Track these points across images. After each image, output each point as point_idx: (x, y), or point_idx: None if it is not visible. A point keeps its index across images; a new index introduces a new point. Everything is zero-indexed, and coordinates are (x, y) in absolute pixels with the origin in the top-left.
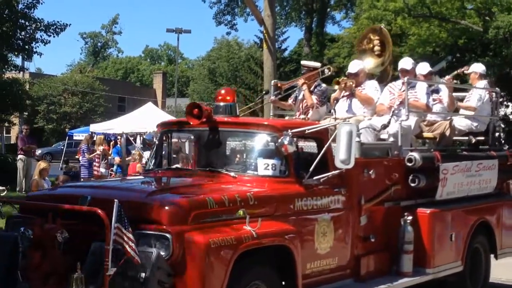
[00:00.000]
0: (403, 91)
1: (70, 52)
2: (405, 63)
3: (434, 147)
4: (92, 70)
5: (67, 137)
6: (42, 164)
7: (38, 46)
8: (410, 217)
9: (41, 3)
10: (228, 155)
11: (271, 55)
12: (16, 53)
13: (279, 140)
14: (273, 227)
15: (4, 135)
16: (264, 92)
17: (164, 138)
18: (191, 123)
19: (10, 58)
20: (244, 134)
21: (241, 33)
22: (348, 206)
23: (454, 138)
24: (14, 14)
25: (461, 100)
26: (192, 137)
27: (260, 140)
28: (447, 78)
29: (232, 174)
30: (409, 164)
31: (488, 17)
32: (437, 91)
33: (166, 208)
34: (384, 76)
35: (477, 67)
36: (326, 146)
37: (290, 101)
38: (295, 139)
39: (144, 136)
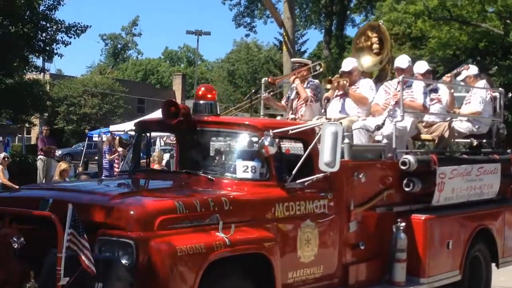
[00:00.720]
0: (399, 90)
1: (90, 54)
2: (401, 61)
3: (432, 149)
4: (112, 72)
5: (86, 138)
6: (62, 165)
7: (58, 48)
8: (403, 224)
9: (62, 5)
10: (207, 157)
11: (291, 58)
12: (37, 54)
13: (260, 141)
14: (250, 234)
15: (25, 135)
16: (253, 91)
17: (141, 138)
18: (167, 122)
19: (31, 59)
20: (223, 134)
21: (260, 35)
22: (336, 211)
23: (455, 140)
24: (35, 16)
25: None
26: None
27: (240, 140)
28: (446, 76)
29: (209, 176)
30: (403, 167)
31: (509, 20)
32: (435, 90)
33: (130, 212)
34: (383, 75)
35: (470, 70)
36: (310, 147)
37: (283, 101)
38: (277, 140)
39: (121, 136)
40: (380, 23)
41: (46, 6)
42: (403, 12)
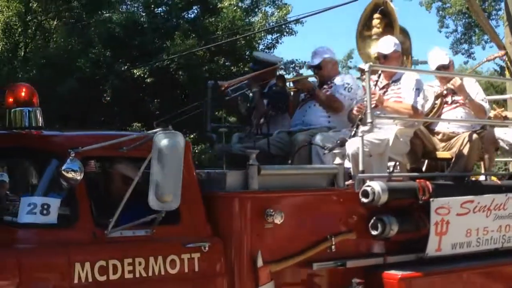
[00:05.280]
0: (383, 87)
1: None
2: (384, 44)
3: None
4: None
5: None
6: None
7: None
8: (359, 286)
9: (280, 43)
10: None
11: None
12: None
13: (58, 165)
14: None
15: None
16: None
17: None
18: None
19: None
20: (17, 156)
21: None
22: (220, 270)
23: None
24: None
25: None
26: None
27: (31, 164)
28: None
29: None
30: (365, 200)
31: None
32: None
33: None
34: None
35: None
36: (141, 170)
37: (243, 110)
38: (93, 162)
39: None
40: (387, 0)
41: (265, 45)
42: None
